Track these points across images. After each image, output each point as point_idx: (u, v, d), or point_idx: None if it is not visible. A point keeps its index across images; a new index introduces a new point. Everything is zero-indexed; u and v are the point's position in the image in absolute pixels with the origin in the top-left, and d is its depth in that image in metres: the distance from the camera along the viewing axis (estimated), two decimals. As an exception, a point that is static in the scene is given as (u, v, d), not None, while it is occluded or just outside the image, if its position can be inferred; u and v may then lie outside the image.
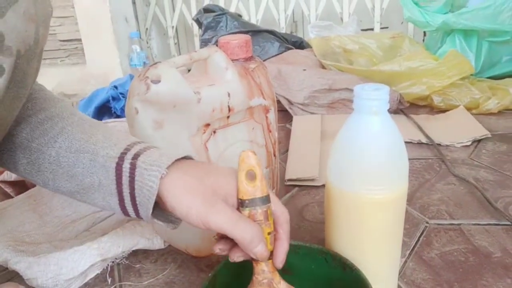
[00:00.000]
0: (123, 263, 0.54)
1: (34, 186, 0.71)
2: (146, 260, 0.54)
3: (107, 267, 0.53)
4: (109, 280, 0.51)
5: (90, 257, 0.50)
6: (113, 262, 0.53)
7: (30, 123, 0.42)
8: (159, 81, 0.44)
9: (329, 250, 0.42)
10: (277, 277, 0.38)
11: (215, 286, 0.39)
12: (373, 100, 0.35)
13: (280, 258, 0.37)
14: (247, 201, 0.36)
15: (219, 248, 0.38)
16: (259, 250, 0.35)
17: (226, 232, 0.35)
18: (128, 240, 0.54)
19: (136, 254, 0.55)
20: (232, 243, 0.37)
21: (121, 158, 0.39)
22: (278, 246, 0.37)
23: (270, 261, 0.37)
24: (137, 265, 0.53)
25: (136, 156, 0.39)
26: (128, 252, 0.54)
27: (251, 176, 0.36)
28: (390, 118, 0.37)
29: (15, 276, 0.50)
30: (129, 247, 0.54)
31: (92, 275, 0.52)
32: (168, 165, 0.37)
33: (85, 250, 0.51)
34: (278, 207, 0.38)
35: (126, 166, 0.38)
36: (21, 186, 0.70)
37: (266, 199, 0.36)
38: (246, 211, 0.36)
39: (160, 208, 0.40)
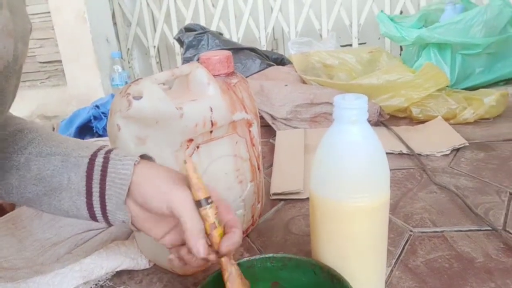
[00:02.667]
0: (107, 284, 0.52)
1: (13, 209, 0.69)
2: (131, 281, 0.53)
3: (90, 290, 0.51)
4: (93, 303, 0.50)
5: (72, 280, 0.49)
6: (96, 284, 0.52)
7: None
8: (141, 97, 0.44)
9: (317, 262, 0.42)
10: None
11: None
12: (352, 109, 0.36)
13: (226, 243, 0.38)
14: (202, 201, 0.38)
15: (174, 258, 0.41)
16: (201, 244, 0.37)
17: (183, 216, 0.37)
18: (111, 260, 0.53)
19: (120, 275, 0.54)
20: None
21: (94, 155, 0.40)
22: (228, 234, 0.39)
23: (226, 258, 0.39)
24: (121, 286, 0.52)
25: (109, 152, 0.41)
26: (112, 273, 0.53)
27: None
28: (370, 126, 0.37)
29: (-7, 303, 0.48)
30: (112, 268, 0.53)
31: (74, 298, 0.50)
32: (141, 155, 0.40)
33: (66, 273, 0.49)
34: (230, 214, 0.40)
35: (99, 160, 0.40)
36: (-1, 210, 0.68)
37: (209, 200, 0.39)
38: (207, 209, 0.38)
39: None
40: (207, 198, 0.38)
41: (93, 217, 0.41)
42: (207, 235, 0.39)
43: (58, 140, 0.42)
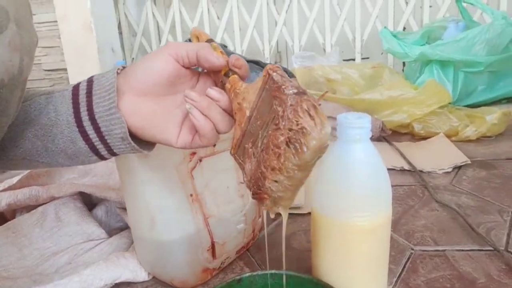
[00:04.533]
0: (105, 296, 0.52)
1: (13, 217, 0.69)
2: (129, 292, 0.53)
3: (88, 301, 0.51)
4: (90, 315, 0.49)
5: (70, 291, 0.49)
6: (94, 295, 0.52)
7: None
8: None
9: (319, 280, 0.42)
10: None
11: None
12: (356, 128, 0.36)
13: (235, 56, 0.38)
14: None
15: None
16: (216, 54, 0.37)
17: (188, 49, 0.37)
18: (111, 272, 0.53)
19: (119, 287, 0.53)
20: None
21: (78, 83, 0.39)
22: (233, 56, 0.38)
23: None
24: (120, 298, 0.52)
25: (91, 77, 0.40)
26: (110, 285, 0.53)
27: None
28: (373, 145, 0.38)
29: (-10, 313, 0.48)
30: (112, 279, 0.52)
31: (72, 309, 0.50)
32: (123, 67, 0.39)
33: (65, 284, 0.49)
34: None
35: (83, 84, 0.39)
36: None
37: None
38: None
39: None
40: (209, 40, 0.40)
41: (92, 147, 0.39)
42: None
43: (43, 90, 0.42)
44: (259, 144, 0.31)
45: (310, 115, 0.28)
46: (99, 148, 0.39)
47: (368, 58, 1.79)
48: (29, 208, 0.68)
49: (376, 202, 0.38)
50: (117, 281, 0.53)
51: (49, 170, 0.75)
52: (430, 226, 0.65)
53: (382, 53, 1.73)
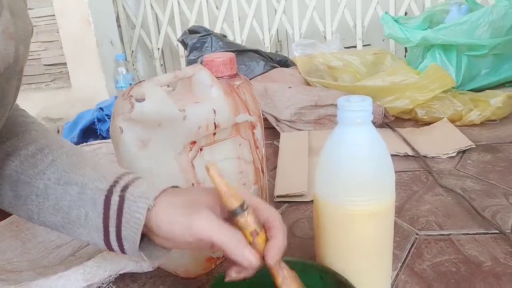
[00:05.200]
0: (110, 287, 0.52)
1: (17, 211, 0.69)
2: (134, 284, 0.53)
3: (93, 292, 0.51)
4: (95, 306, 0.49)
5: (75, 282, 0.49)
6: (99, 287, 0.52)
7: (20, 155, 0.41)
8: (143, 100, 0.43)
9: (324, 266, 0.41)
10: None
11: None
12: (357, 111, 0.35)
13: (272, 253, 0.35)
14: (237, 209, 0.36)
15: (235, 272, 0.37)
16: (247, 254, 0.34)
17: (211, 236, 0.34)
18: (115, 263, 0.52)
19: (124, 278, 0.53)
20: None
21: (110, 191, 0.38)
22: (273, 241, 0.36)
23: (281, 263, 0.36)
24: (125, 290, 0.52)
25: (124, 188, 0.39)
26: (115, 276, 0.53)
27: (227, 185, 0.36)
28: (374, 129, 0.37)
29: (-4, 306, 0.48)
30: (116, 270, 0.52)
31: (77, 301, 0.50)
32: (155, 196, 0.37)
33: (69, 275, 0.49)
34: (266, 210, 0.37)
35: (115, 198, 0.38)
36: (2, 212, 0.68)
37: (243, 206, 0.36)
38: (245, 216, 0.36)
39: (146, 241, 0.39)
40: (241, 205, 0.35)
41: (111, 250, 0.40)
42: (250, 244, 0.36)
43: (77, 165, 0.41)
44: None
45: None
46: (115, 249, 0.40)
47: (369, 44, 1.77)
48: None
49: (379, 186, 0.37)
50: (121, 272, 0.53)
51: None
52: (435, 211, 0.64)
53: (383, 39, 1.71)
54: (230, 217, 0.36)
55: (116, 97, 1.05)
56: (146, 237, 0.39)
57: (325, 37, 1.71)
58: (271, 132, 1.05)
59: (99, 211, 0.38)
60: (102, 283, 0.52)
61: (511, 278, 0.48)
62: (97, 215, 0.38)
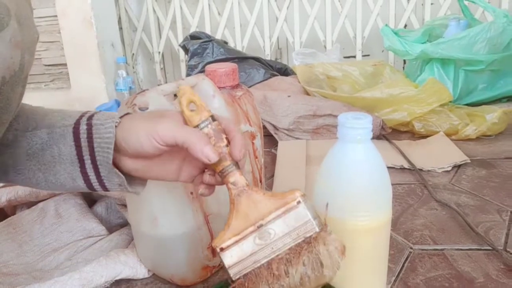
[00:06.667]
0: (106, 293, 0.52)
1: (14, 213, 0.69)
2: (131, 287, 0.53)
3: (89, 298, 0.51)
4: (91, 312, 0.49)
5: (71, 287, 0.49)
6: (95, 292, 0.52)
7: None
8: (147, 108, 0.44)
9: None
10: (252, 186, 0.37)
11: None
12: (357, 129, 0.36)
13: (237, 148, 0.37)
14: (199, 125, 0.37)
15: (202, 188, 0.39)
16: (207, 149, 0.35)
17: (176, 135, 0.36)
18: (111, 269, 0.53)
19: (119, 284, 0.54)
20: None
21: (77, 123, 0.40)
22: (232, 142, 0.37)
23: (238, 172, 0.37)
24: (120, 295, 0.52)
25: (90, 118, 0.40)
26: (110, 282, 0.53)
27: (193, 107, 0.37)
28: (373, 146, 0.38)
29: (-9, 309, 0.48)
30: (112, 276, 0.53)
31: (73, 306, 0.50)
32: (121, 115, 0.40)
33: (66, 280, 0.49)
34: (226, 121, 0.39)
35: (83, 127, 0.40)
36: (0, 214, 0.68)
37: (212, 119, 0.37)
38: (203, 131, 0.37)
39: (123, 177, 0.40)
40: (209, 117, 0.37)
41: (90, 186, 0.41)
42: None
43: (42, 113, 0.43)
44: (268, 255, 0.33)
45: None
46: (97, 187, 0.41)
47: (368, 55, 1.78)
48: (29, 204, 0.68)
49: (377, 202, 0.38)
50: (117, 278, 0.53)
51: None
52: (429, 225, 0.65)
53: (383, 51, 1.73)
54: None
55: (116, 100, 1.05)
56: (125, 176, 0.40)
57: (325, 46, 1.72)
58: (269, 140, 1.06)
59: (70, 144, 0.39)
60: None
61: (502, 295, 0.49)
62: (69, 148, 0.39)
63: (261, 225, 0.34)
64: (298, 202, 0.34)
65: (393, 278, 0.53)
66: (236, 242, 0.34)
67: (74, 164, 0.40)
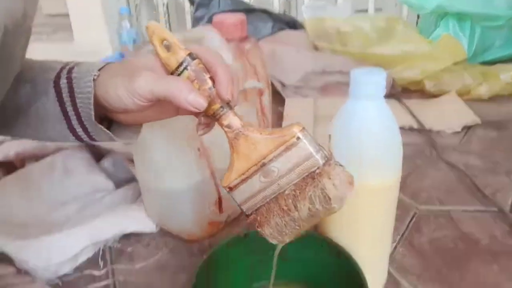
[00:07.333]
0: (115, 246, 0.53)
1: (23, 166, 0.69)
2: (138, 244, 0.54)
3: (98, 251, 0.52)
4: (101, 264, 0.51)
5: (81, 240, 0.50)
6: (104, 245, 0.53)
7: None
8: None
9: (324, 237, 0.42)
10: (248, 125, 0.34)
11: (209, 270, 0.39)
12: (371, 84, 0.34)
13: (223, 87, 0.33)
14: (177, 69, 0.33)
15: (200, 129, 0.36)
16: (192, 97, 0.32)
17: (154, 90, 0.33)
18: (119, 223, 0.54)
19: (128, 238, 0.55)
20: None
21: (57, 77, 0.39)
22: (216, 80, 0.34)
23: (231, 113, 0.34)
24: (129, 249, 0.53)
25: (70, 70, 0.39)
26: (119, 236, 0.54)
27: (167, 47, 0.34)
28: (386, 104, 0.36)
29: (3, 258, 0.50)
30: (120, 230, 0.54)
31: (83, 258, 0.51)
32: (99, 68, 0.37)
33: (75, 233, 0.50)
34: (206, 54, 0.35)
35: (63, 82, 0.38)
36: (9, 167, 0.69)
37: (191, 57, 0.33)
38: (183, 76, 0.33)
39: (114, 125, 0.40)
40: (187, 57, 0.33)
41: (80, 140, 0.41)
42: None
43: (25, 66, 0.41)
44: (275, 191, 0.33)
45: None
46: (86, 140, 0.40)
47: (381, 9, 1.71)
48: (37, 157, 0.68)
49: (388, 162, 0.37)
50: (125, 232, 0.54)
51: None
52: (437, 185, 0.65)
53: (396, 4, 1.65)
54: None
55: (120, 53, 1.02)
56: (115, 123, 0.40)
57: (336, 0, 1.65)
58: (276, 97, 1.04)
59: (53, 100, 0.38)
60: (107, 242, 0.53)
61: (507, 256, 0.49)
62: (53, 105, 0.38)
63: (264, 164, 0.32)
64: (298, 138, 0.31)
65: (398, 237, 0.53)
66: (243, 181, 0.33)
67: (61, 122, 0.39)
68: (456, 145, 0.77)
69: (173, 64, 0.33)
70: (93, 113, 0.37)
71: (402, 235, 0.54)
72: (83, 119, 0.38)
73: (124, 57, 0.41)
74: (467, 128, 0.84)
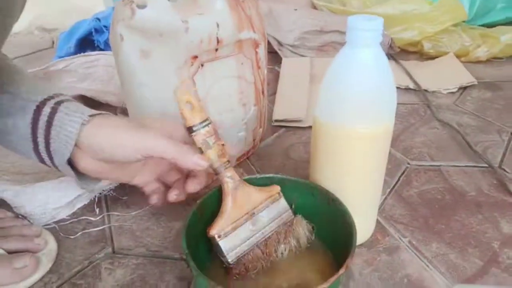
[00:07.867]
0: (111, 194, 0.54)
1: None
2: (133, 193, 0.55)
3: (94, 198, 0.53)
4: (97, 210, 0.52)
5: (76, 187, 0.51)
6: (100, 193, 0.54)
7: None
8: (145, 6, 0.41)
9: (316, 184, 0.43)
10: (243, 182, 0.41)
11: (202, 215, 0.40)
12: (368, 31, 0.34)
13: (233, 147, 0.41)
14: (194, 126, 0.38)
15: (175, 194, 0.43)
16: (196, 159, 0.37)
17: (165, 152, 0.37)
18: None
19: (124, 186, 0.55)
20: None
21: (43, 102, 0.38)
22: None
23: (231, 168, 0.40)
24: (124, 197, 0.54)
25: (59, 103, 0.38)
26: (115, 185, 0.55)
27: (190, 107, 0.39)
28: (382, 51, 0.36)
29: (2, 204, 0.50)
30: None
31: (79, 205, 0.52)
32: (91, 114, 0.38)
33: (71, 180, 0.51)
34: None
35: (46, 110, 0.38)
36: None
37: (208, 121, 0.39)
38: (200, 132, 0.39)
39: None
40: (208, 118, 0.39)
41: (43, 163, 0.41)
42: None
43: (16, 79, 0.40)
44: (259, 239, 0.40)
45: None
46: (47, 162, 0.41)
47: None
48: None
49: (380, 110, 0.37)
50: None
51: (48, 73, 0.73)
52: (429, 143, 0.66)
53: (398, -35, 1.60)
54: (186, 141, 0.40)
55: (113, 8, 1.00)
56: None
57: (336, -42, 1.59)
58: (273, 56, 1.03)
59: (28, 121, 0.38)
60: (103, 190, 0.54)
61: (491, 207, 0.51)
62: (26, 125, 0.38)
63: (253, 214, 0.39)
64: (279, 194, 0.41)
65: (388, 190, 0.55)
66: (233, 229, 0.38)
67: (27, 140, 0.39)
68: (450, 105, 0.78)
69: (197, 120, 0.38)
70: (68, 153, 0.37)
71: (393, 188, 0.55)
72: (51, 150, 0.38)
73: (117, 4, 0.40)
74: (463, 89, 0.84)
